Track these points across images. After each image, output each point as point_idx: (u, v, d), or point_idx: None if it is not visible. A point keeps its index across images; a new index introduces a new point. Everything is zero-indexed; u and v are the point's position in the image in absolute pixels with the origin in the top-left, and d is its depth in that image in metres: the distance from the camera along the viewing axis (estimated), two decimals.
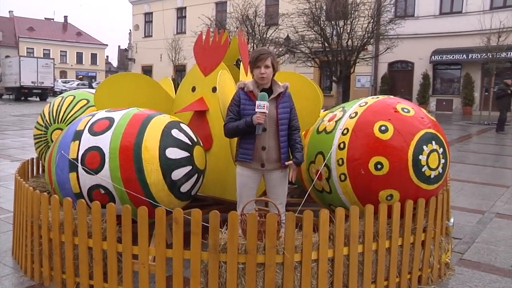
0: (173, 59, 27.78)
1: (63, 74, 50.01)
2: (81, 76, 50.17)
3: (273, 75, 2.77)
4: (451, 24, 20.83)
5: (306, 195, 2.96)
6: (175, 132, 2.94)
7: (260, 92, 2.70)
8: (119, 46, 59.05)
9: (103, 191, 2.78)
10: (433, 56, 21.28)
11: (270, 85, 2.77)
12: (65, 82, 37.14)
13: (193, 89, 3.74)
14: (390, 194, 2.77)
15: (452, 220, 3.30)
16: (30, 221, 2.90)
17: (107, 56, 63.64)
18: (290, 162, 2.71)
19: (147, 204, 2.72)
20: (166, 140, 2.87)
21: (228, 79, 3.42)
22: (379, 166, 2.73)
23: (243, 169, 2.78)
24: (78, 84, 35.62)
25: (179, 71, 30.03)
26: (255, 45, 20.00)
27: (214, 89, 3.54)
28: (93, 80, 48.83)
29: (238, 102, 2.75)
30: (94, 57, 54.15)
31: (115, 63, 66.92)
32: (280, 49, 20.60)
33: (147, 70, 32.51)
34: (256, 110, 2.59)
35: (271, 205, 2.85)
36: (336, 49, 18.98)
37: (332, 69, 19.68)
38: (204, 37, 3.76)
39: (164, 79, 4.57)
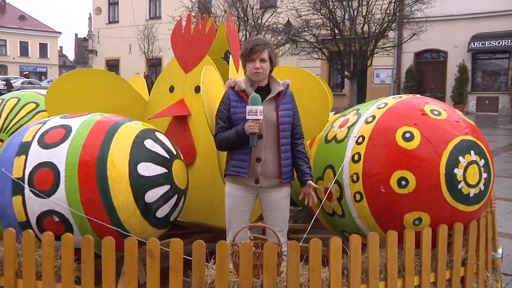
0: (146, 51, 27.87)
1: (2, 69, 49.56)
2: (27, 72, 49.81)
3: (271, 70, 2.82)
4: (496, 0, 20.78)
5: (313, 220, 2.98)
6: (149, 143, 2.97)
7: (255, 91, 2.74)
8: (76, 35, 58.99)
9: (57, 219, 2.79)
10: (472, 43, 21.33)
11: (267, 83, 2.82)
12: (4, 80, 36.97)
13: (171, 89, 3.78)
14: (418, 218, 2.81)
15: (500, 250, 3.31)
16: None
17: (61, 47, 63.56)
18: (311, 186, 2.77)
19: (114, 234, 2.73)
20: (138, 153, 2.90)
21: (215, 76, 3.47)
22: (403, 183, 2.76)
23: (233, 187, 2.80)
24: (23, 83, 35.48)
25: (153, 66, 30.11)
26: (248, 34, 20.14)
27: (197, 89, 3.58)
28: (43, 77, 48.68)
29: (228, 106, 2.77)
30: (43, 48, 53.75)
31: (71, 55, 66.87)
32: (279, 38, 20.76)
33: (113, 65, 32.55)
34: (248, 117, 2.62)
35: (269, 232, 2.87)
36: (348, 37, 19.15)
37: (344, 61, 19.82)
38: (184, 24, 3.81)
39: (134, 77, 4.60)
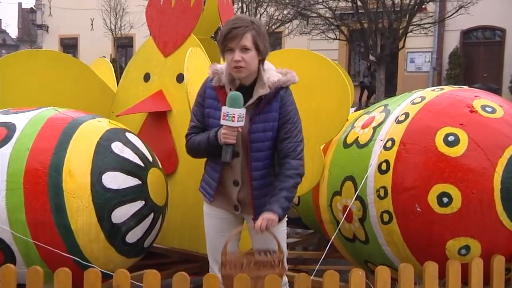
0: (113, 27, 27.85)
1: None
2: None
3: (261, 61, 2.63)
4: None
5: (328, 246, 3.00)
6: (117, 147, 2.99)
7: (235, 91, 2.57)
8: (19, 4, 58.50)
9: None
10: None
11: (253, 79, 2.64)
12: None
13: (147, 77, 3.80)
14: (465, 246, 2.82)
15: None
16: None
17: (0, 20, 63.38)
18: (257, 224, 2.50)
19: (71, 264, 2.73)
20: (103, 159, 2.91)
21: (202, 61, 3.48)
22: (445, 200, 2.78)
23: (210, 207, 2.76)
24: None
25: (123, 47, 30.07)
26: (245, 7, 20.17)
27: (179, 78, 3.60)
28: None
29: (203, 101, 2.70)
30: None
31: (13, 32, 66.59)
32: (285, 12, 20.76)
33: (69, 45, 32.48)
34: (222, 122, 2.48)
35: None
36: (375, 11, 19.16)
37: (368, 43, 19.81)
38: None
39: (98, 61, 4.61)
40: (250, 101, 2.57)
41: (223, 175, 2.66)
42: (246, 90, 2.59)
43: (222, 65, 2.69)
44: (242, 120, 2.47)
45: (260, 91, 2.58)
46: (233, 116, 2.45)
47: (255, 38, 2.53)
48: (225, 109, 2.47)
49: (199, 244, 3.53)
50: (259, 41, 2.55)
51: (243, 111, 2.47)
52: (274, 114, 2.61)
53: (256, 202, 2.65)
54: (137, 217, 2.95)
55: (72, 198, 2.79)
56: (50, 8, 33.68)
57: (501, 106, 3.01)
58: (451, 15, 20.12)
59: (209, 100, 2.66)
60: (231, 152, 2.51)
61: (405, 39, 19.78)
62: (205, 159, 2.82)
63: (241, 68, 2.54)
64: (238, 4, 19.61)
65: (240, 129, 2.50)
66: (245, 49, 2.52)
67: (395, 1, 18.88)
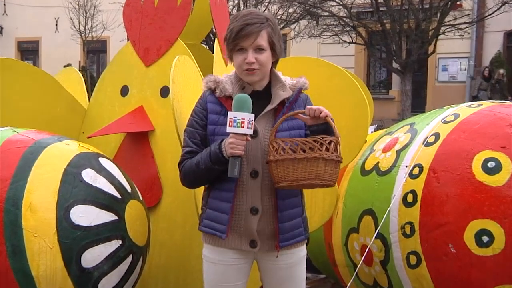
0: (82, 28, 27.95)
1: None
2: None
3: (274, 63, 2.74)
4: None
5: None
6: (88, 175, 3.01)
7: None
8: None
9: None
10: None
11: (267, 83, 2.73)
12: None
13: (124, 90, 3.83)
14: None
15: None
16: None
17: None
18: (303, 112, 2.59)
19: None
20: (72, 190, 2.92)
21: (191, 71, 3.50)
22: (485, 239, 2.79)
23: (213, 251, 2.72)
24: None
25: (94, 52, 30.13)
26: (242, 5, 20.28)
27: (164, 91, 3.64)
28: None
29: (204, 119, 2.69)
30: None
31: None
32: (291, 11, 20.87)
33: (29, 50, 32.53)
34: (229, 129, 2.48)
35: None
36: (399, 9, 19.26)
37: (391, 47, 19.86)
38: None
39: (65, 70, 4.64)
40: (270, 106, 2.63)
41: (236, 203, 2.62)
42: (259, 94, 2.65)
43: (220, 76, 2.72)
44: (251, 128, 2.48)
45: (281, 94, 2.65)
46: (242, 122, 2.45)
47: (271, 36, 2.60)
48: (231, 114, 2.47)
49: None
50: (275, 39, 2.63)
51: (252, 116, 2.48)
52: (299, 121, 2.65)
53: (282, 225, 2.63)
54: (113, 260, 2.95)
55: (33, 237, 2.80)
56: (4, 5, 33.69)
57: None
58: (492, 13, 20.10)
59: (213, 115, 2.66)
60: (239, 166, 2.50)
61: (436, 43, 19.80)
62: (199, 189, 2.80)
63: (255, 71, 2.60)
64: (234, 1, 19.70)
65: (249, 138, 2.50)
66: (259, 49, 2.59)
67: None
